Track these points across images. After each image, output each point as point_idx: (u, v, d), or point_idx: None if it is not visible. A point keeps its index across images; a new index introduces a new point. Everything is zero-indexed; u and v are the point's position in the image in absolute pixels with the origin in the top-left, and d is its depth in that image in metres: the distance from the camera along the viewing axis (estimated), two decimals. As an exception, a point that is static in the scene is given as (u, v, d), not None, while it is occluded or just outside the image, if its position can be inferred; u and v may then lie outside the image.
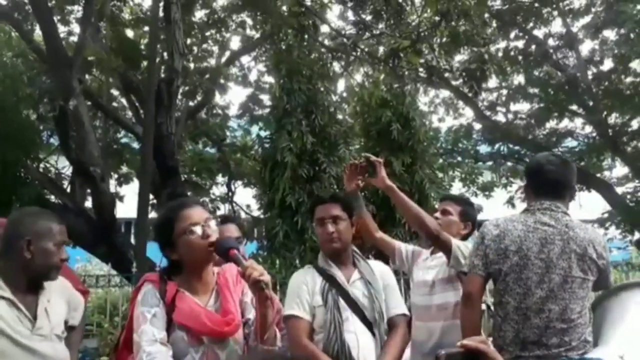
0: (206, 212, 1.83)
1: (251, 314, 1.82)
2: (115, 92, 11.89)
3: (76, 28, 10.10)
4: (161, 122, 7.33)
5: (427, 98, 15.69)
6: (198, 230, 1.75)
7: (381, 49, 10.72)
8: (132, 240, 8.36)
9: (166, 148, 7.49)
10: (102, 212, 7.23)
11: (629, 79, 14.28)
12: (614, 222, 13.26)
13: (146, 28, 10.52)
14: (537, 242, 2.12)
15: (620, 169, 16.26)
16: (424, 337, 2.61)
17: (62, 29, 9.84)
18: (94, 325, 6.12)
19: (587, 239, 2.13)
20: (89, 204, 8.20)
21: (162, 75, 8.08)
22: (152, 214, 9.35)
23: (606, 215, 13.48)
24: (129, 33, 11.34)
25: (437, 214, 2.84)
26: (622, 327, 1.49)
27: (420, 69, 7.20)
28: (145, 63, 9.32)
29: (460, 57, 11.35)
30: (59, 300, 2.02)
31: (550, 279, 2.07)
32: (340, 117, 9.33)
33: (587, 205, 15.59)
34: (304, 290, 2.19)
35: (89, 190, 7.87)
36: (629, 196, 14.70)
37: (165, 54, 8.45)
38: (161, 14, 7.56)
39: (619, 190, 15.15)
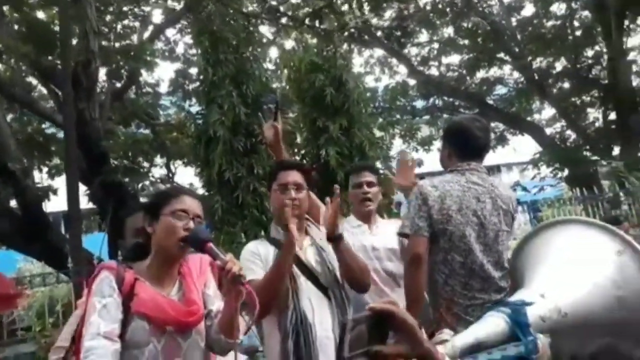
0: (200, 212, 1.80)
1: (214, 306, 1.80)
2: (33, 81, 11.13)
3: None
4: (82, 108, 6.91)
5: (362, 59, 15.70)
6: (184, 218, 1.72)
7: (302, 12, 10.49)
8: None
9: (91, 134, 7.09)
10: (29, 208, 6.81)
11: (550, 23, 14.78)
12: (544, 162, 13.93)
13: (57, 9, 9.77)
14: (473, 200, 2.24)
15: (548, 111, 17.05)
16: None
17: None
18: (33, 328, 5.82)
19: (508, 196, 2.32)
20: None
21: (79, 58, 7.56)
22: (90, 205, 8.97)
23: (538, 155, 14.12)
24: (40, 15, 10.54)
25: (365, 188, 2.84)
26: (543, 267, 1.51)
27: (351, 30, 7.05)
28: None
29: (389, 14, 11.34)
30: None
31: (486, 233, 2.23)
32: (276, 85, 9.13)
33: (520, 148, 16.36)
34: (257, 258, 2.19)
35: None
36: (557, 136, 15.48)
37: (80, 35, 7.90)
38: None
39: (548, 131, 15.91)
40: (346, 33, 7.45)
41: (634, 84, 13.91)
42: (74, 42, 8.01)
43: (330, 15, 7.41)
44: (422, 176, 2.73)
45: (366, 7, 8.38)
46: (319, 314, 2.09)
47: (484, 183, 2.29)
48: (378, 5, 7.54)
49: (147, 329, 1.64)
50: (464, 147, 2.37)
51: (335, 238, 2.15)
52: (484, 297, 2.17)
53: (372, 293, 2.48)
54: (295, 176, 2.26)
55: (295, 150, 8.41)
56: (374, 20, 9.03)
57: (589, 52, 14.81)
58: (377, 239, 2.79)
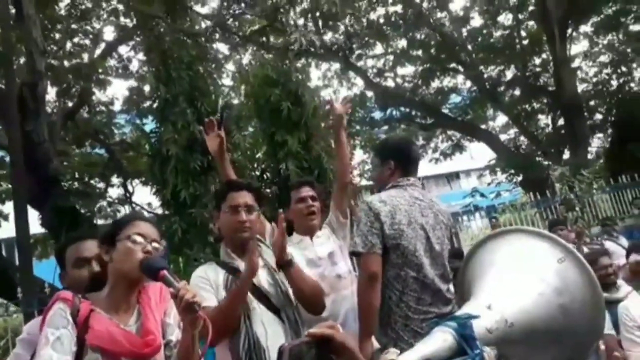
0: (158, 236, 1.75)
1: (173, 336, 1.73)
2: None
3: None
4: (29, 130, 6.65)
5: (320, 72, 15.84)
6: (141, 241, 1.68)
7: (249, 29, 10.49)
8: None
9: (40, 157, 6.83)
10: (-25, 237, 6.48)
11: (498, 33, 15.33)
12: (500, 168, 14.35)
13: None
14: (418, 214, 2.28)
15: (501, 118, 17.63)
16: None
17: None
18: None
19: (446, 211, 2.39)
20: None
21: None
22: (42, 230, 8.62)
23: (493, 162, 14.54)
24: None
25: (309, 202, 2.80)
26: (489, 278, 1.53)
27: (296, 48, 7.08)
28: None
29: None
30: None
31: (432, 247, 2.26)
32: (235, 100, 9.05)
33: (477, 154, 16.81)
34: (206, 284, 2.10)
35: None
36: (511, 142, 16.00)
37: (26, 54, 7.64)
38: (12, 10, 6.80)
39: (502, 137, 16.43)
40: (294, 49, 7.46)
41: (579, 89, 14.56)
42: (21, 61, 7.75)
43: (274, 33, 7.42)
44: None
45: (313, 25, 8.43)
46: (272, 337, 2.04)
47: (425, 198, 2.36)
48: (325, 23, 7.59)
49: None
50: (408, 163, 2.46)
51: (284, 264, 2.09)
52: (435, 310, 2.19)
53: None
54: (245, 197, 2.20)
55: (255, 165, 8.35)
56: (329, 35, 9.11)
57: (537, 61, 15.45)
58: (320, 249, 2.76)
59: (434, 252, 2.26)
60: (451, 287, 2.29)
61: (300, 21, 8.86)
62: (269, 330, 2.05)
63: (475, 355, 1.17)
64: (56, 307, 1.62)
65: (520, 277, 1.47)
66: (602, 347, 3.08)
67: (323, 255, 2.74)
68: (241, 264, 2.16)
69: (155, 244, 1.71)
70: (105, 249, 1.73)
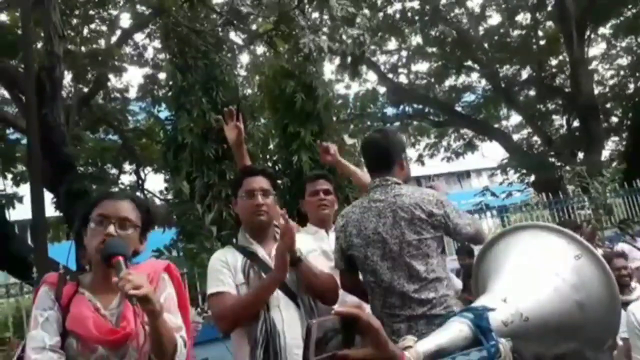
0: (129, 212, 1.67)
1: None
2: (-4, 86, 10.81)
3: None
4: (46, 113, 6.71)
5: (332, 66, 15.79)
6: (104, 223, 1.62)
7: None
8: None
9: (56, 140, 6.89)
10: (-10, 217, 6.58)
11: (515, 32, 15.18)
12: (512, 168, 14.26)
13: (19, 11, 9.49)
14: (373, 219, 2.23)
15: (514, 118, 17.49)
16: None
17: None
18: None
19: (413, 203, 2.21)
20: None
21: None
22: (57, 212, 8.72)
23: (505, 161, 14.45)
24: (2, 18, 10.26)
25: (322, 195, 2.85)
26: (505, 273, 1.54)
27: (305, 51, 7.00)
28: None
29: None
30: None
31: (391, 249, 2.19)
32: (249, 91, 9.08)
33: (489, 154, 16.70)
34: (225, 268, 2.14)
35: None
36: (524, 142, 15.88)
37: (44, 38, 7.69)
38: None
39: (515, 137, 16.32)
40: (302, 54, 7.43)
41: (595, 92, 14.39)
42: (38, 46, 7.81)
43: (282, 38, 7.36)
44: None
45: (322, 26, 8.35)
46: (288, 323, 2.07)
47: (386, 197, 2.25)
48: (334, 31, 7.51)
49: (75, 347, 1.58)
50: (366, 162, 2.45)
51: (294, 262, 2.08)
52: (406, 312, 2.14)
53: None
54: (261, 182, 2.23)
55: (268, 156, 8.39)
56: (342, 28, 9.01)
57: (553, 61, 15.29)
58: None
59: (392, 253, 2.18)
60: (432, 285, 2.17)
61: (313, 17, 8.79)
62: (285, 316, 2.08)
63: (490, 346, 1.18)
64: (42, 290, 1.64)
65: (536, 273, 1.47)
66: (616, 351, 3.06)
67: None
68: (258, 248, 2.21)
69: (124, 222, 1.65)
70: (84, 230, 1.70)
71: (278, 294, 2.10)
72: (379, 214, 2.22)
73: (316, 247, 2.37)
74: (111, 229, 1.61)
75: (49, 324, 1.57)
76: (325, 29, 8.13)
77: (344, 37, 7.14)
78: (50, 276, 1.70)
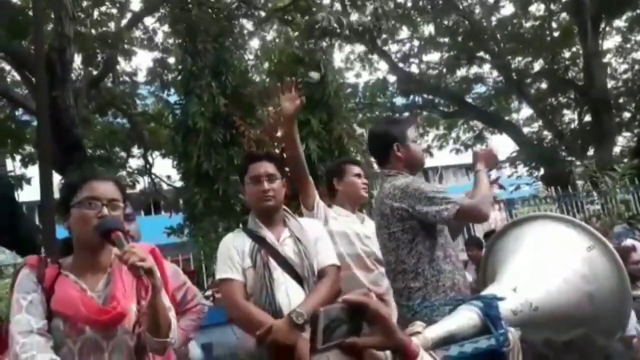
0: (117, 194, 1.66)
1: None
2: (6, 67, 10.82)
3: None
4: (56, 95, 6.72)
5: (343, 54, 15.69)
6: (96, 204, 1.60)
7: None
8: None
9: (65, 122, 6.92)
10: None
11: (529, 23, 14.98)
12: (521, 161, 14.15)
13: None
14: (374, 217, 2.46)
15: (525, 111, 17.32)
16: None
17: None
18: (2, 318, 5.69)
19: (380, 199, 2.31)
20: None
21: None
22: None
23: (515, 154, 14.34)
24: (13, -2, 10.23)
25: (364, 179, 2.94)
26: (515, 262, 1.53)
27: (322, 27, 6.94)
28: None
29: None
30: None
31: (381, 244, 2.41)
32: (257, 77, 9.04)
33: (499, 146, 16.56)
34: (234, 252, 2.16)
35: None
36: (534, 136, 15.75)
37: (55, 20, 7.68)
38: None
39: (525, 130, 16.17)
40: (321, 26, 7.35)
41: (609, 86, 14.21)
42: (49, 27, 7.80)
43: (300, 11, 7.28)
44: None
45: (340, 5, 8.26)
46: (294, 305, 2.07)
47: (379, 194, 2.39)
48: (353, 3, 7.43)
49: (62, 329, 1.55)
50: (372, 157, 2.68)
51: (302, 327, 1.97)
52: (395, 298, 2.37)
53: (363, 272, 2.66)
54: (266, 167, 2.24)
55: (276, 143, 8.36)
56: (355, 17, 8.93)
57: (566, 54, 15.09)
58: (367, 230, 2.82)
59: (381, 247, 2.41)
60: (399, 276, 2.26)
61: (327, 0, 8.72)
62: (292, 299, 2.08)
63: (499, 334, 1.17)
64: (23, 273, 1.60)
65: (547, 263, 1.46)
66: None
67: (370, 235, 2.78)
68: (267, 232, 2.22)
69: (113, 203, 1.63)
70: (63, 216, 1.67)
71: (285, 278, 2.12)
72: (375, 210, 2.39)
73: (323, 234, 2.35)
74: (105, 210, 1.60)
75: (34, 307, 1.54)
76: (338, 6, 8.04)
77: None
78: (30, 258, 1.66)
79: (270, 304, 2.06)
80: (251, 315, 2.05)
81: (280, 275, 2.12)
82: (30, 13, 9.25)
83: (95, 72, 11.02)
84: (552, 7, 14.47)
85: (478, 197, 2.18)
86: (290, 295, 2.09)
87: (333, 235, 2.70)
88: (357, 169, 2.95)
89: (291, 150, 2.60)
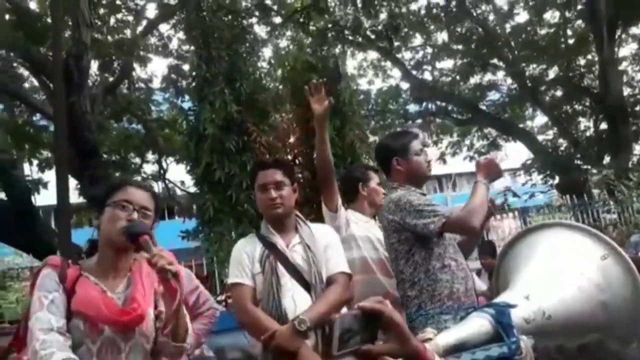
0: (149, 203, 1.72)
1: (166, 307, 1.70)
2: (24, 72, 11.03)
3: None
4: (73, 101, 6.84)
5: (355, 61, 15.71)
6: (127, 207, 1.66)
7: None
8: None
9: (82, 127, 7.03)
10: (17, 201, 6.73)
11: (543, 31, 14.87)
12: (536, 169, 14.01)
13: None
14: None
15: (540, 118, 17.16)
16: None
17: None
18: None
19: (381, 211, 2.46)
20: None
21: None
22: (80, 199, 8.89)
23: (529, 162, 14.21)
24: (32, 6, 10.47)
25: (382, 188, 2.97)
26: (528, 270, 1.52)
27: (341, 27, 6.99)
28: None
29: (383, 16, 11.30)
30: None
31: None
32: (269, 83, 9.11)
33: (513, 154, 16.43)
34: (245, 258, 2.20)
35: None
36: (548, 143, 15.58)
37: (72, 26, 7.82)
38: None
39: (540, 138, 16.00)
40: (336, 30, 7.38)
41: (625, 93, 14.04)
42: (66, 34, 7.94)
43: (318, 13, 7.34)
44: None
45: (353, 11, 8.31)
46: (301, 311, 2.08)
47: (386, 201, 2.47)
48: (370, 3, 7.45)
49: (82, 329, 1.58)
50: None
51: (305, 334, 1.99)
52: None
53: (385, 277, 2.65)
54: (274, 174, 2.25)
55: (289, 149, 8.40)
56: (367, 22, 8.98)
57: (582, 61, 14.94)
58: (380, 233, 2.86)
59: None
60: (399, 285, 2.38)
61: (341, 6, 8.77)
62: (299, 305, 2.09)
63: (511, 342, 1.17)
64: (45, 272, 1.63)
65: (560, 271, 1.45)
66: None
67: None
68: (277, 238, 2.24)
69: (144, 211, 1.69)
70: (95, 214, 1.73)
71: (293, 284, 2.13)
72: (379, 221, 2.51)
73: (334, 241, 2.35)
74: (135, 215, 1.66)
75: (55, 306, 1.57)
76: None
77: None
78: (52, 259, 1.70)
79: (276, 309, 2.08)
80: (258, 320, 2.08)
81: (288, 282, 2.14)
82: (49, 20, 9.44)
83: (111, 79, 11.19)
84: (567, 14, 14.36)
85: (467, 209, 2.18)
86: (296, 301, 2.10)
87: (356, 239, 2.74)
88: (378, 178, 3.00)
89: (321, 152, 2.59)
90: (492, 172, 2.29)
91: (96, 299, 1.61)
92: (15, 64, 10.06)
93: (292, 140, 8.49)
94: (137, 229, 1.60)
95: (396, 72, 15.92)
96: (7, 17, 8.80)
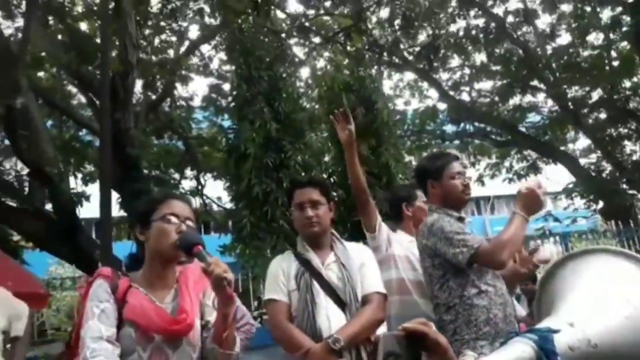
0: (191, 214, 1.79)
1: (212, 317, 1.76)
2: (73, 90, 11.55)
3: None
4: (118, 117, 7.11)
5: (392, 82, 15.73)
6: (175, 221, 1.72)
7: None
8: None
9: (125, 143, 7.28)
10: (62, 212, 6.99)
11: (586, 53, 14.56)
12: (578, 193, 13.57)
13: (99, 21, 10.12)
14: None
15: (583, 141, 16.67)
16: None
17: (8, 25, 9.44)
18: (62, 329, 5.95)
19: (417, 237, 2.47)
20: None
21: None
22: (121, 212, 9.14)
23: (571, 186, 13.78)
24: (82, 27, 10.98)
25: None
26: (572, 296, 1.47)
27: (380, 47, 7.08)
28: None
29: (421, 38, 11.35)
30: None
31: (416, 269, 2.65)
32: (306, 103, 9.24)
33: (554, 177, 15.97)
34: (280, 274, 2.22)
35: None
36: (592, 167, 15.10)
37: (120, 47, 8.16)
38: (112, 5, 7.29)
39: (582, 161, 15.53)
40: (375, 52, 7.46)
41: (673, 117, 13.53)
42: (114, 53, 8.29)
43: (358, 34, 7.45)
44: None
45: (396, 26, 8.39)
46: (335, 330, 2.08)
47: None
48: (409, 25, 7.54)
49: (133, 337, 1.63)
50: None
51: (340, 354, 2.01)
52: None
53: (423, 300, 2.61)
54: (310, 193, 2.29)
55: (324, 168, 8.45)
56: (406, 43, 9.03)
57: (627, 83, 14.50)
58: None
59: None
60: (435, 309, 2.35)
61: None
62: (333, 324, 2.09)
63: (555, 370, 1.13)
64: (97, 283, 1.69)
65: (606, 298, 1.40)
66: None
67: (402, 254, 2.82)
68: (313, 256, 2.26)
69: (188, 222, 1.74)
70: (140, 229, 1.77)
71: (328, 302, 2.14)
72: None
73: (369, 261, 2.34)
74: (183, 227, 1.71)
75: (105, 316, 1.62)
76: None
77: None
78: (104, 270, 1.76)
79: (310, 327, 2.09)
80: (293, 336, 2.09)
81: (322, 300, 2.14)
82: (98, 41, 9.90)
83: (154, 97, 11.57)
84: (612, 35, 14.01)
85: (497, 242, 2.14)
86: (331, 319, 2.11)
87: (395, 259, 2.74)
88: (423, 197, 2.97)
89: (351, 174, 2.64)
90: (533, 203, 2.19)
91: (148, 309, 1.67)
92: (65, 82, 10.53)
93: (327, 159, 8.54)
94: (191, 240, 1.65)
95: (433, 93, 15.85)
96: (59, 37, 9.25)
